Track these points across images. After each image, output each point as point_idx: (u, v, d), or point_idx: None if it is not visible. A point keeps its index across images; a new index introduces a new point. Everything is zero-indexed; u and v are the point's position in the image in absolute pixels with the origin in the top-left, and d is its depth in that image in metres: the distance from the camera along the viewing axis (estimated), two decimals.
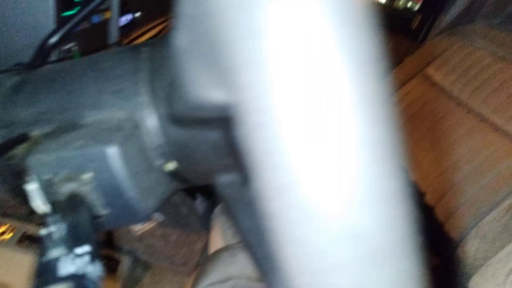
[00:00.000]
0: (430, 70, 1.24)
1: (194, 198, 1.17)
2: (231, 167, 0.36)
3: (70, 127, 0.34)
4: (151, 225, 1.15)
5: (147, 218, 0.36)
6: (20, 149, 0.36)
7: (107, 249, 1.15)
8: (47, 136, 0.34)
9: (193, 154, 0.35)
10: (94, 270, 0.24)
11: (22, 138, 0.34)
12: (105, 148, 0.31)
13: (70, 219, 0.28)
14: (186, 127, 0.34)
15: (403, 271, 0.17)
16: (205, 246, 1.19)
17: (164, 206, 1.11)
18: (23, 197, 0.38)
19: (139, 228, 1.17)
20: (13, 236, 1.08)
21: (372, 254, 0.16)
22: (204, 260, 0.96)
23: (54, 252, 0.24)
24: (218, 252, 0.95)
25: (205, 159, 0.35)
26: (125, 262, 1.15)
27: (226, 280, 0.84)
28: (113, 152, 0.31)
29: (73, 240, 0.26)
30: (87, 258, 0.24)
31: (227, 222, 1.07)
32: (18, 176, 0.36)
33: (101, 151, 0.31)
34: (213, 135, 0.34)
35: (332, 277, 0.17)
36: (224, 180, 0.36)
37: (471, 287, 0.95)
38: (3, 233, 1.08)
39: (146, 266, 1.23)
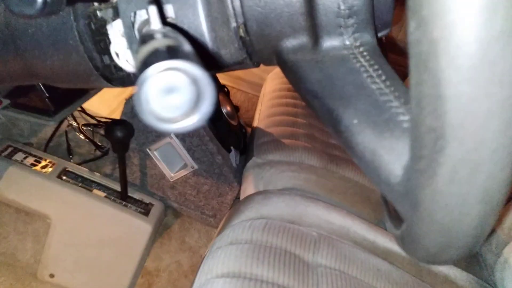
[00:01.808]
0: None
1: (228, 150, 1.19)
2: (300, 30, 0.36)
3: None
4: (186, 173, 1.17)
5: (223, 68, 0.38)
6: (101, 6, 0.37)
7: (140, 193, 1.18)
8: None
9: (266, 14, 0.35)
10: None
11: None
12: None
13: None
14: None
15: None
16: (235, 200, 1.21)
17: (201, 153, 1.12)
18: (102, 52, 0.40)
19: (173, 175, 1.19)
20: (53, 170, 1.12)
21: None
22: (237, 203, 0.97)
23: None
24: (251, 195, 0.95)
25: (278, 19, 0.35)
26: (157, 208, 1.17)
27: (258, 218, 0.84)
28: None
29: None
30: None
31: (259, 173, 1.07)
32: (98, 32, 0.38)
33: None
34: None
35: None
36: (291, 44, 0.37)
37: (506, 253, 0.92)
38: (44, 166, 1.12)
39: (177, 214, 1.26)
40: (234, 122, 1.26)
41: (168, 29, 0.26)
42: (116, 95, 1.58)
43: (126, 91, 1.13)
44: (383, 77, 0.30)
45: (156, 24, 0.26)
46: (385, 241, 0.87)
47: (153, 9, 0.26)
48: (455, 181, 0.20)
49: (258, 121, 1.27)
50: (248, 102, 2.08)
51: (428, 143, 0.20)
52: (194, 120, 0.19)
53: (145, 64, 0.20)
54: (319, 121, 1.30)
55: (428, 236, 0.24)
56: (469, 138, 0.18)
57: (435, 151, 0.19)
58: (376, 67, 0.31)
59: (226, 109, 1.25)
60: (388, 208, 0.37)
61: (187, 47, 0.23)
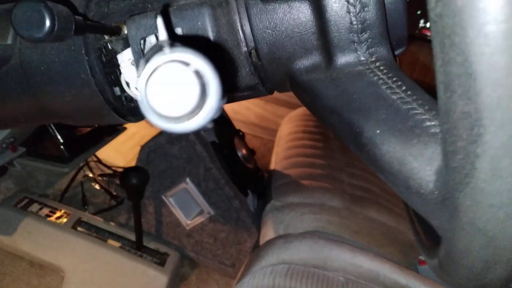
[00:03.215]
0: None
1: (245, 194, 1.15)
2: (312, 50, 0.35)
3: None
4: (202, 220, 1.13)
5: (233, 92, 0.36)
6: (112, 39, 0.37)
7: (156, 242, 1.14)
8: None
9: (277, 35, 0.34)
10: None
11: (115, 30, 0.36)
12: (199, 7, 0.33)
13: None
14: (273, 1, 0.34)
15: None
16: (255, 247, 1.15)
17: (217, 197, 1.09)
18: (112, 84, 0.39)
19: (189, 222, 1.15)
20: (68, 221, 1.10)
21: None
22: (257, 248, 0.92)
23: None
24: (272, 239, 0.91)
25: (289, 40, 0.34)
26: (173, 258, 1.13)
27: (279, 263, 0.79)
28: (206, 11, 0.33)
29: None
30: None
31: (279, 217, 1.03)
32: (108, 64, 0.38)
33: (195, 10, 0.33)
34: (301, 11, 0.33)
35: None
36: (303, 65, 0.35)
37: None
38: (59, 217, 1.10)
39: (194, 264, 1.20)
40: (250, 165, 1.24)
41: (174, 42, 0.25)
42: (131, 147, 1.58)
43: (141, 143, 1.13)
44: (403, 87, 0.28)
45: (163, 34, 0.25)
46: (418, 285, 0.80)
47: (160, 20, 0.25)
48: (497, 175, 0.17)
49: (275, 164, 1.24)
50: (264, 148, 2.06)
51: (463, 132, 0.17)
52: (201, 117, 0.17)
53: (147, 62, 0.18)
54: (338, 161, 1.26)
55: (470, 250, 0.21)
56: (509, 119, 0.15)
57: (471, 141, 0.17)
58: (394, 79, 0.29)
59: (241, 152, 1.23)
60: (419, 237, 0.33)
61: (192, 51, 0.21)
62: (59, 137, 0.82)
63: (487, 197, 0.17)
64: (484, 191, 0.17)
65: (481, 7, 0.14)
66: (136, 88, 0.37)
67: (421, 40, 1.86)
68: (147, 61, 0.18)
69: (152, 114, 0.17)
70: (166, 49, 0.18)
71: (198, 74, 0.17)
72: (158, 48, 0.23)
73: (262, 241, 1.04)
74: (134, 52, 0.34)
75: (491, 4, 0.14)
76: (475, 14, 0.14)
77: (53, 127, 0.83)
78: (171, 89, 0.17)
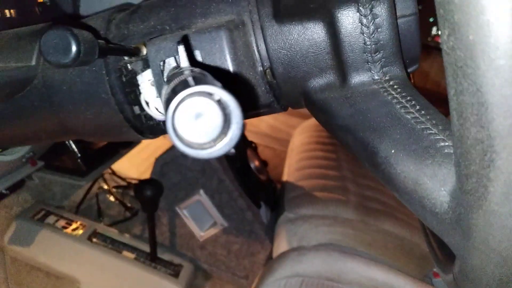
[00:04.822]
0: None
1: (258, 206, 1.16)
2: (326, 69, 0.36)
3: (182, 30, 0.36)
4: (215, 231, 1.14)
5: (249, 111, 0.37)
6: (132, 59, 0.38)
7: (170, 253, 1.15)
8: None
9: (292, 56, 0.35)
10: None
11: (135, 51, 0.37)
12: (217, 30, 0.34)
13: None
14: (288, 22, 0.35)
15: None
16: (268, 258, 1.15)
17: (231, 210, 1.10)
18: (132, 103, 0.40)
19: (203, 234, 1.16)
20: (84, 232, 1.11)
21: None
22: (270, 261, 0.93)
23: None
24: (285, 252, 0.91)
25: (304, 60, 0.35)
26: (187, 269, 1.13)
27: (293, 276, 0.79)
28: (223, 34, 0.34)
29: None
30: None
31: (292, 229, 1.03)
32: (128, 84, 0.39)
33: (213, 33, 0.34)
34: (316, 32, 0.34)
35: None
36: (318, 84, 0.36)
37: None
38: (75, 229, 1.12)
39: (207, 276, 1.20)
40: (263, 177, 1.24)
41: (195, 68, 0.26)
42: (145, 158, 1.60)
43: (155, 154, 1.15)
44: (417, 107, 0.28)
45: (184, 61, 0.26)
46: None
47: (181, 48, 0.26)
48: (510, 198, 0.17)
49: (288, 175, 1.24)
50: (277, 158, 2.07)
51: (476, 157, 0.18)
52: (224, 144, 0.18)
53: (173, 92, 0.19)
54: (352, 172, 1.26)
55: (485, 269, 0.21)
56: None
57: (484, 166, 0.18)
58: (408, 98, 0.30)
59: (254, 164, 1.23)
60: (434, 252, 0.34)
61: (214, 80, 0.22)
62: (76, 150, 0.84)
63: (500, 219, 0.18)
64: (497, 213, 0.18)
65: (492, 42, 0.15)
66: (156, 108, 0.38)
67: (434, 49, 1.84)
68: (173, 91, 0.19)
69: (179, 143, 0.18)
70: (190, 80, 0.19)
71: (221, 103, 0.18)
72: (180, 73, 0.24)
73: (275, 253, 1.04)
74: (154, 74, 0.35)
75: (501, 40, 0.15)
76: (486, 48, 0.15)
77: (71, 141, 0.85)
78: (197, 119, 0.18)
